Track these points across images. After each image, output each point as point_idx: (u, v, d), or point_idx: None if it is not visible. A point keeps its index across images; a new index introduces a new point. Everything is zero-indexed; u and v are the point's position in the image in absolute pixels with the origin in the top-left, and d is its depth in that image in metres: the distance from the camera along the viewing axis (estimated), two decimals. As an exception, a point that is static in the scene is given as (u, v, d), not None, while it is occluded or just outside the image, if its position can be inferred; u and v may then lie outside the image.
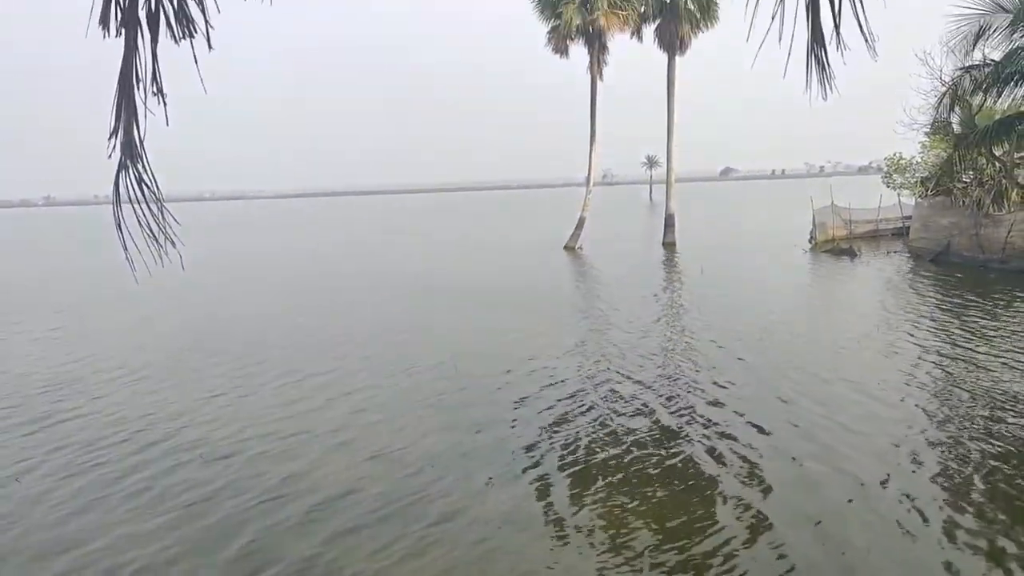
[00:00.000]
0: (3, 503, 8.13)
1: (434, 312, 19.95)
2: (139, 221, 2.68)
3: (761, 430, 9.60)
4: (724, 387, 11.68)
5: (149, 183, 2.69)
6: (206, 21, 2.50)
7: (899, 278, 23.74)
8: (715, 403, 10.88)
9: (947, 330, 15.34)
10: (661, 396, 11.39)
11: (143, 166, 2.66)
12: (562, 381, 12.31)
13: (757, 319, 16.99)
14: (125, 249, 2.68)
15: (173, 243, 2.78)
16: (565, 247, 37.25)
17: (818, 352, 13.91)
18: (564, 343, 15.35)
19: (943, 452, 8.65)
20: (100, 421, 10.97)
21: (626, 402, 11.07)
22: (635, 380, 12.28)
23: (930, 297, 19.74)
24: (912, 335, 14.89)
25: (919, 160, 35.55)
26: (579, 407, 10.90)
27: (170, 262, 2.80)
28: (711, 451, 8.95)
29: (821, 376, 12.12)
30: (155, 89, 2.57)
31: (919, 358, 13.07)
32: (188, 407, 11.51)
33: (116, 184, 2.66)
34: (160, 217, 2.73)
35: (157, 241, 2.75)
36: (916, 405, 10.42)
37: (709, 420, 10.12)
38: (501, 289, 24.18)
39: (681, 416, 10.37)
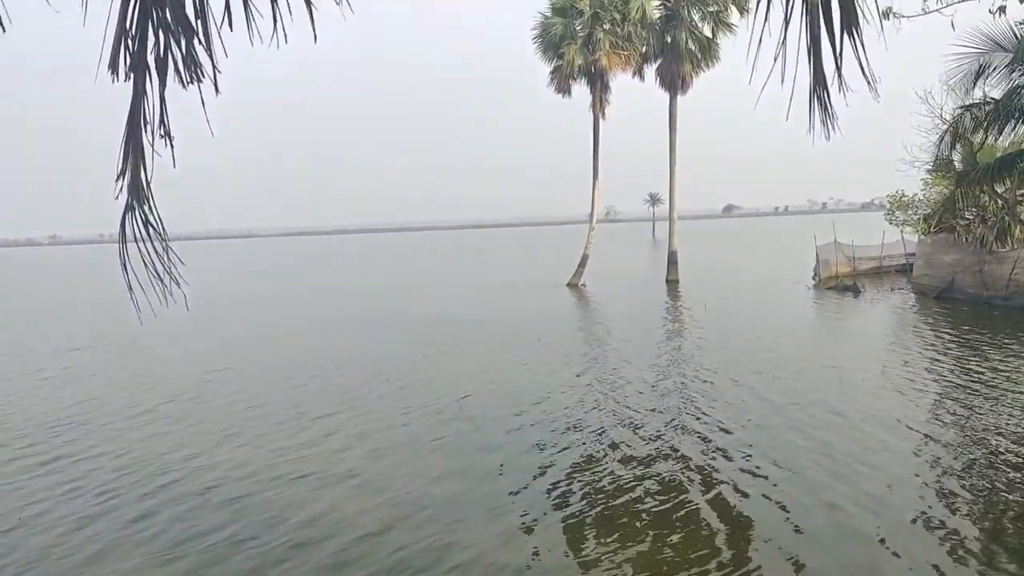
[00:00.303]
0: (17, 547, 7.98)
1: (445, 350, 19.86)
2: (144, 262, 2.69)
3: (786, 469, 9.50)
4: (744, 426, 11.58)
5: (155, 224, 2.70)
6: (214, 66, 2.53)
7: (905, 315, 23.71)
8: (737, 442, 10.77)
9: (961, 366, 15.27)
10: (679, 435, 11.27)
11: (149, 207, 2.68)
12: (578, 421, 12.21)
13: (767, 355, 17.00)
14: (130, 289, 2.70)
15: (178, 283, 2.79)
16: (568, 284, 37.29)
17: (834, 389, 13.77)
18: (575, 381, 15.31)
19: (973, 494, 8.49)
20: (112, 463, 10.86)
21: (644, 442, 10.94)
22: (651, 419, 12.18)
23: (938, 334, 19.65)
24: (926, 372, 14.87)
25: (921, 197, 35.69)
26: (596, 448, 10.77)
27: (175, 302, 2.81)
28: (737, 491, 8.82)
29: (840, 412, 12.04)
30: (162, 132, 2.60)
31: (937, 395, 13.05)
32: (201, 448, 11.41)
33: (122, 225, 2.68)
34: (165, 257, 2.74)
35: (162, 281, 2.76)
36: (942, 443, 10.33)
37: (732, 459, 10.01)
38: (507, 326, 24.15)
39: (703, 456, 10.24)
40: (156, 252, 2.72)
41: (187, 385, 16.16)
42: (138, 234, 2.70)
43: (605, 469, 9.83)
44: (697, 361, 17.02)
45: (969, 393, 13.01)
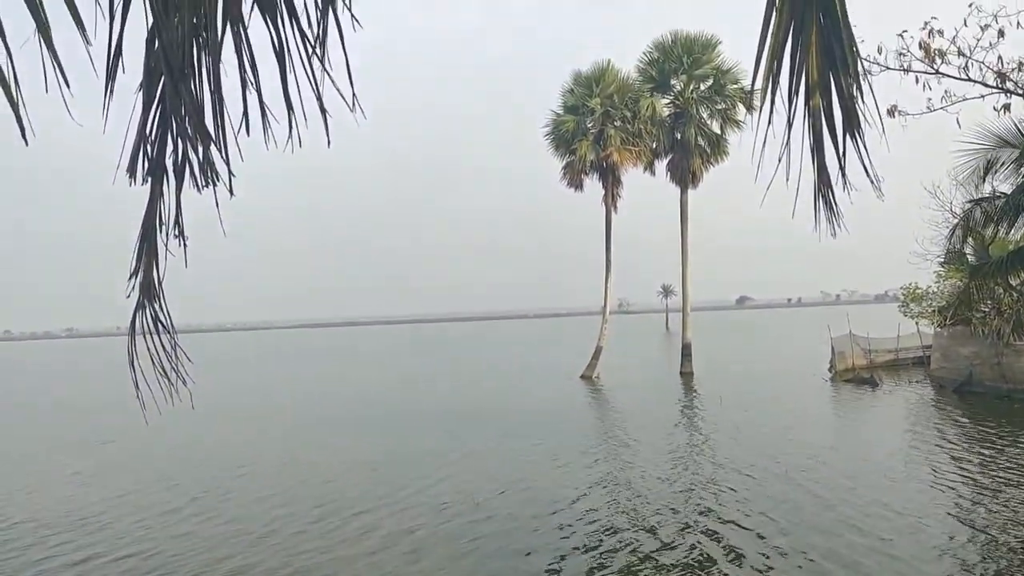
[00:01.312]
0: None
1: (471, 445, 19.52)
2: (152, 360, 2.71)
3: (849, 569, 9.22)
4: (775, 520, 11.35)
5: (164, 322, 2.73)
6: (229, 171, 2.60)
7: (925, 409, 23.33)
8: (763, 537, 10.52)
9: (989, 461, 14.98)
10: (730, 534, 10.96)
11: (160, 305, 2.71)
12: (615, 520, 11.88)
13: (787, 450, 16.76)
14: (137, 388, 2.70)
15: (184, 381, 2.79)
16: (582, 376, 37.05)
17: (860, 485, 13.47)
18: (605, 477, 15.09)
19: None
20: (145, 563, 10.62)
21: (692, 543, 10.61)
22: (693, 518, 11.87)
23: (960, 429, 19.32)
24: (950, 467, 14.60)
25: (935, 289, 35.61)
26: (641, 550, 10.43)
27: (180, 400, 2.81)
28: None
29: (868, 510, 11.76)
30: (177, 232, 2.67)
31: (960, 493, 12.72)
32: (232, 551, 11.13)
33: (132, 323, 2.70)
34: (173, 355, 2.76)
35: (169, 379, 2.76)
36: (969, 541, 10.14)
37: (764, 558, 9.73)
38: (527, 420, 23.83)
39: (761, 557, 9.90)
40: (165, 350, 2.73)
41: (218, 481, 15.99)
42: (147, 332, 2.72)
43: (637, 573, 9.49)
44: (725, 456, 16.66)
45: (986, 489, 12.76)
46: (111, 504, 14.33)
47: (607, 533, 11.28)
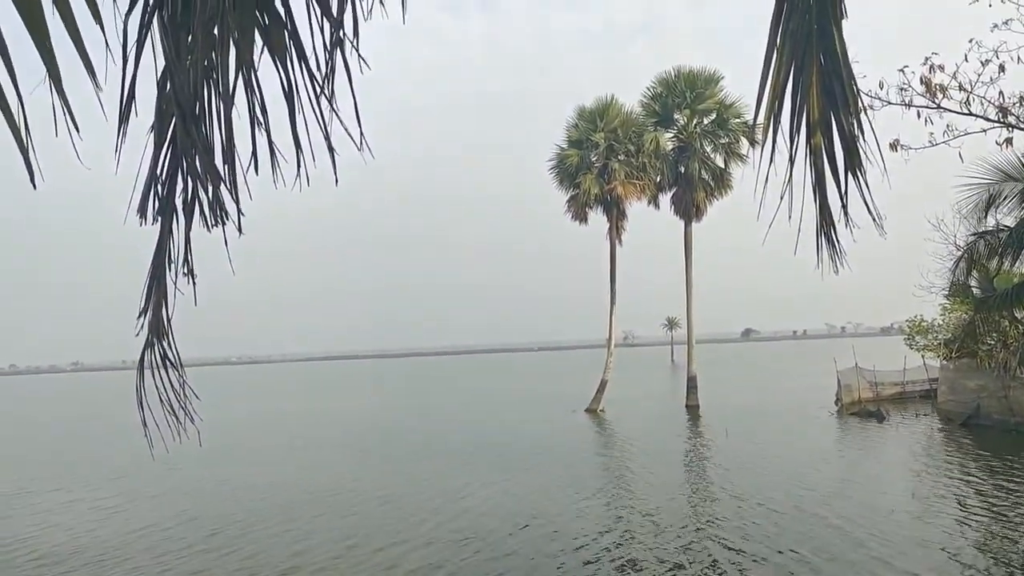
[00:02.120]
0: None
1: (487, 478, 19.38)
2: (160, 398, 2.72)
3: None
4: (810, 558, 11.24)
5: (173, 359, 2.75)
6: (238, 210, 2.63)
7: (933, 443, 23.16)
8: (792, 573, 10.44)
9: (998, 496, 14.84)
10: (735, 571, 10.83)
11: (168, 343, 2.73)
12: (635, 562, 11.65)
13: (798, 484, 16.69)
14: (145, 426, 2.71)
15: (192, 419, 2.80)
16: (587, 410, 36.85)
17: (877, 520, 13.33)
18: (616, 513, 14.97)
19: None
20: None
21: None
22: (701, 555, 11.73)
23: (969, 464, 19.17)
24: (962, 502, 14.51)
25: (940, 322, 35.47)
26: None
27: (188, 438, 2.82)
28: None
29: (889, 544, 11.69)
30: (186, 270, 2.69)
31: (977, 528, 12.63)
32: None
33: (141, 361, 2.72)
34: (181, 393, 2.77)
35: (176, 417, 2.77)
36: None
37: None
38: (536, 454, 23.71)
39: None
40: (173, 387, 2.75)
41: (234, 516, 15.91)
42: (156, 370, 2.74)
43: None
44: (738, 490, 16.53)
45: (994, 531, 12.63)
46: (127, 538, 14.21)
47: (621, 568, 11.16)
